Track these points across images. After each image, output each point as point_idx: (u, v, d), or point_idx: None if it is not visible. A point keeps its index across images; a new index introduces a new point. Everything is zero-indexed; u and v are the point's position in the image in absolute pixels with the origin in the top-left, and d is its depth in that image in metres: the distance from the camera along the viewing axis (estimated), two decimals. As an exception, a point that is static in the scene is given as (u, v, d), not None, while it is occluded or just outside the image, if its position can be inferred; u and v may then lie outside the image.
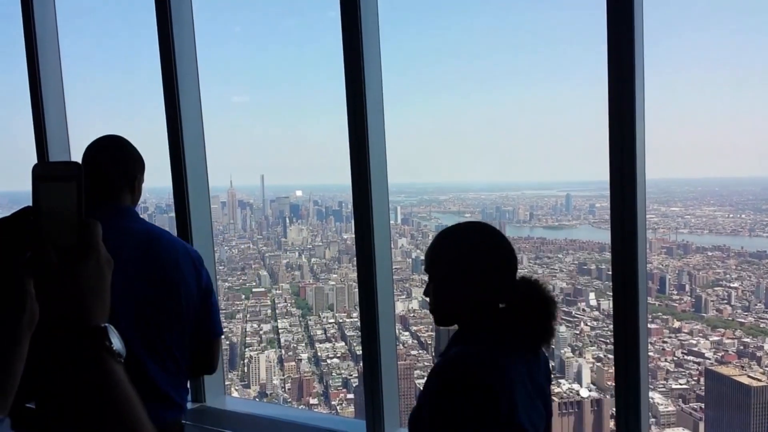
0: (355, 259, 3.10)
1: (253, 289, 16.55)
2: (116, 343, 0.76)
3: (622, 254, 2.66)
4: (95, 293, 0.76)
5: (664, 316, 12.62)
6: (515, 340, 1.55)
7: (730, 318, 12.35)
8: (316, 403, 14.07)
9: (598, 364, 13.19)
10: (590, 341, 13.67)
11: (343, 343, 15.13)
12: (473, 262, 1.51)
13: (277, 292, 16.66)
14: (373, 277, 3.08)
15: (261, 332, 15.68)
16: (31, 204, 0.74)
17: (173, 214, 4.02)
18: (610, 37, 2.53)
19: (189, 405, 3.65)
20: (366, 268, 3.09)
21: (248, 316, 16.03)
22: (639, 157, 2.61)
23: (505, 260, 1.61)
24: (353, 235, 3.07)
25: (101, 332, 0.75)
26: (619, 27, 2.50)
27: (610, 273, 2.87)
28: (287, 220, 17.49)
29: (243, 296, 16.25)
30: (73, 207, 0.74)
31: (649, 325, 2.96)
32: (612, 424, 12.46)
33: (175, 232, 3.93)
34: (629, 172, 2.59)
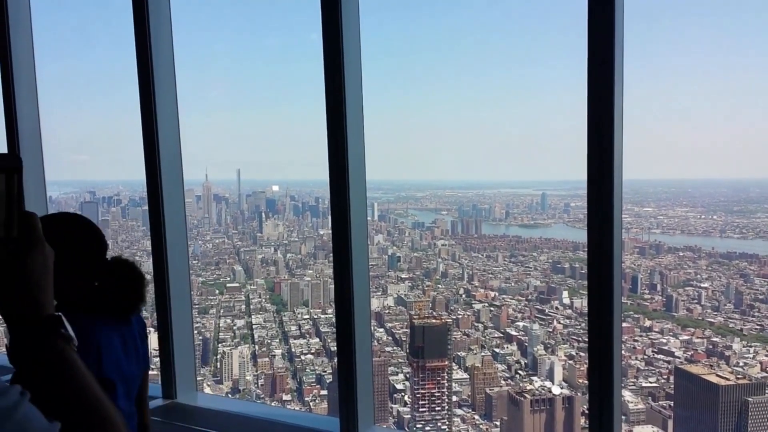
0: (331, 255, 3.08)
1: (228, 284, 16.42)
2: (69, 329, 0.78)
3: (599, 254, 2.67)
4: (44, 284, 0.78)
5: (636, 315, 12.79)
6: (107, 311, 1.81)
7: (700, 318, 12.57)
8: (290, 399, 14.02)
9: (570, 362, 13.33)
10: (563, 339, 13.81)
11: (317, 339, 15.10)
12: (68, 249, 1.70)
13: (252, 287, 16.55)
14: (349, 274, 3.06)
15: (235, 327, 15.58)
16: None
17: (147, 207, 3.95)
18: (591, 39, 2.53)
19: (159, 401, 3.60)
20: (342, 265, 3.06)
21: (222, 311, 15.92)
22: (617, 158, 2.62)
23: (95, 244, 1.82)
24: (330, 231, 3.04)
25: (57, 320, 0.77)
26: (599, 30, 2.51)
27: (584, 272, 2.89)
28: (263, 215, 17.39)
29: (217, 291, 16.12)
30: (3, 199, 0.73)
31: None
32: (583, 421, 12.60)
33: (148, 226, 3.87)
34: (607, 173, 2.60)
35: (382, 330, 14.72)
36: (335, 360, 14.05)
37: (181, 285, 3.65)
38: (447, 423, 13.53)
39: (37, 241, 0.77)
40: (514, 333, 14.59)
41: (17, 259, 0.75)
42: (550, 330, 14.30)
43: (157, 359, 3.67)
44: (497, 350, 14.44)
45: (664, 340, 12.56)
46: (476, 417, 13.79)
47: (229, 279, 16.99)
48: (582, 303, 13.91)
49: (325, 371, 14.70)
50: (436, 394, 13.92)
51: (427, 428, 12.97)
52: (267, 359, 15.10)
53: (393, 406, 13.87)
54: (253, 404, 6.15)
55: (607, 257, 2.69)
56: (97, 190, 17.09)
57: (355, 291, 3.08)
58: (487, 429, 13.32)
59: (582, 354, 13.37)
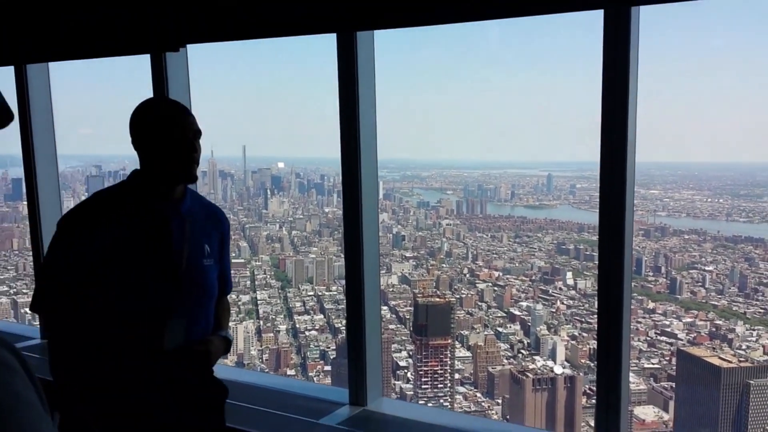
0: (335, 233, 3.10)
1: (233, 260, 16.51)
2: None
3: (610, 235, 2.68)
4: None
5: (639, 297, 12.82)
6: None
7: (703, 300, 12.59)
8: (294, 374, 14.16)
9: (573, 342, 13.40)
10: (566, 319, 13.87)
11: (321, 316, 15.20)
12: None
13: (257, 263, 16.63)
14: (360, 250, 3.08)
15: (240, 303, 15.68)
16: None
17: None
18: (607, 25, 2.52)
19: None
20: (353, 242, 3.09)
21: (227, 286, 16.03)
22: (630, 141, 2.62)
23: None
24: (335, 209, 3.07)
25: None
26: (616, 18, 2.50)
27: (588, 253, 2.90)
28: (268, 192, 17.40)
29: (222, 267, 16.20)
30: None
31: (629, 306, 3.00)
32: (584, 400, 12.70)
33: None
34: (620, 156, 2.60)
35: (385, 308, 14.79)
36: (339, 336, 14.15)
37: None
38: (449, 400, 13.64)
39: None
40: (517, 313, 14.64)
41: None
42: (554, 310, 14.35)
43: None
44: (500, 329, 14.51)
45: (667, 322, 12.60)
46: (478, 395, 13.90)
47: (234, 255, 17.02)
48: (586, 284, 13.94)
49: (329, 347, 14.80)
50: (439, 372, 14.03)
51: (430, 405, 13.08)
52: (271, 334, 15.21)
53: (396, 382, 13.99)
54: (263, 375, 6.21)
55: (618, 239, 2.70)
56: (103, 164, 17.09)
57: (365, 260, 3.10)
58: (488, 406, 13.43)
59: (585, 334, 13.43)
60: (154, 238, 1.92)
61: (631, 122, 2.61)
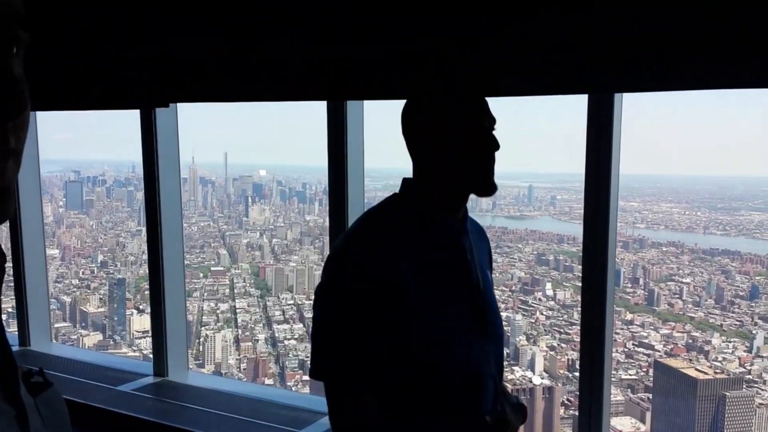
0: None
1: (212, 268, 16.36)
2: None
3: (594, 248, 2.71)
4: None
5: (618, 308, 12.93)
6: None
7: (681, 312, 12.72)
8: (272, 383, 14.05)
9: (552, 352, 13.45)
10: (545, 330, 13.93)
11: (301, 325, 15.10)
12: None
13: (237, 271, 16.50)
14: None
15: (218, 311, 15.54)
16: None
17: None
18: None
19: (150, 379, 3.63)
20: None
21: (206, 294, 15.86)
22: (614, 154, 2.66)
23: None
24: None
25: None
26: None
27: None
28: (249, 200, 17.31)
29: (201, 274, 16.06)
30: None
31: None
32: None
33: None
34: (604, 168, 2.64)
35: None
36: (319, 346, 13.89)
37: (175, 265, 3.66)
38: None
39: None
40: (497, 323, 14.60)
41: None
42: (533, 321, 14.41)
43: (149, 338, 3.67)
44: (480, 340, 14.46)
45: (645, 334, 12.71)
46: (457, 405, 13.86)
47: (213, 263, 16.92)
48: (565, 295, 14.02)
49: (308, 357, 14.65)
50: (419, 382, 13.96)
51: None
52: (250, 343, 15.11)
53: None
54: (245, 383, 6.18)
55: (602, 252, 2.74)
56: (82, 169, 16.89)
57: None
58: (468, 417, 13.43)
59: (563, 345, 13.49)
60: (455, 268, 1.47)
61: (615, 134, 2.65)
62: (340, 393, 1.42)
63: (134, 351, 12.32)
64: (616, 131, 2.64)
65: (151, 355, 3.72)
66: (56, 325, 11.83)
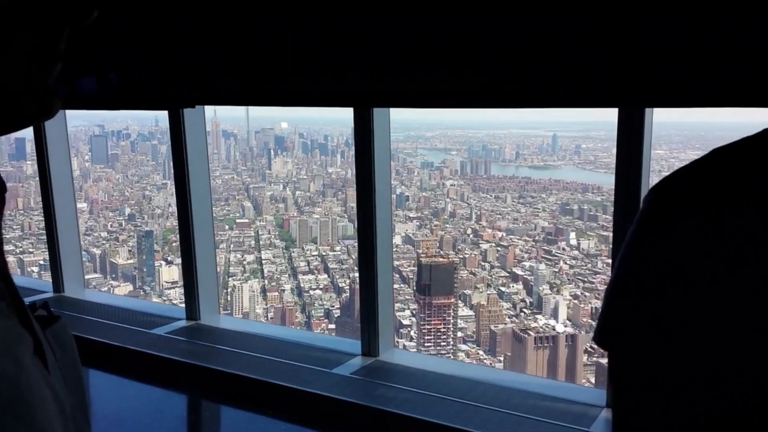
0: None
1: (237, 220, 16.53)
2: None
3: (626, 195, 2.70)
4: None
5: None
6: None
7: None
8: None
9: (575, 301, 13.49)
10: (568, 279, 13.93)
11: (325, 275, 15.27)
12: None
13: (261, 223, 16.65)
14: (372, 205, 3.10)
15: (244, 262, 15.76)
16: None
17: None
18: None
19: (183, 323, 3.72)
20: (366, 196, 3.11)
21: (232, 246, 16.07)
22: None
23: None
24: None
25: None
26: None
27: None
28: (272, 152, 17.33)
29: (227, 227, 16.24)
30: None
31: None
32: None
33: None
34: (638, 116, 2.60)
35: (389, 267, 14.80)
36: (343, 296, 14.17)
37: (204, 211, 3.71)
38: (452, 357, 13.82)
39: None
40: (520, 272, 14.71)
41: None
42: (556, 270, 14.41)
43: (178, 288, 3.76)
44: (503, 289, 14.59)
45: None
46: (480, 352, 14.06)
47: (238, 215, 17.08)
48: (589, 244, 13.97)
49: (333, 306, 14.93)
50: (442, 330, 14.17)
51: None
52: (276, 293, 15.35)
53: (399, 340, 14.16)
54: (273, 326, 6.31)
55: (634, 198, 2.71)
56: (106, 123, 16.99)
57: (377, 210, 3.13)
58: (491, 363, 13.61)
59: (587, 294, 13.51)
60: None
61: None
62: None
63: (164, 301, 12.58)
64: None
65: (180, 305, 3.82)
66: (87, 277, 12.06)
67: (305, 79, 2.93)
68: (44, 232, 5.11)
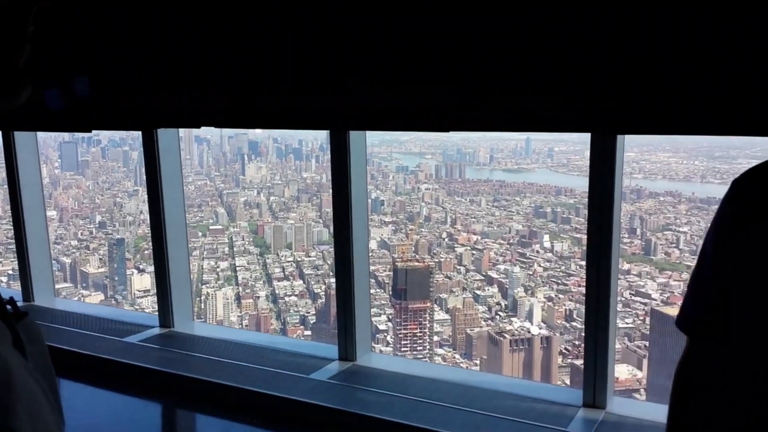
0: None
1: (210, 227, 16.37)
2: None
3: (600, 200, 2.72)
4: None
5: (615, 259, 13.00)
6: None
7: (677, 261, 12.81)
8: (274, 339, 14.21)
9: (549, 303, 13.59)
10: (542, 281, 14.04)
11: (301, 282, 15.18)
12: None
13: (235, 230, 16.50)
14: (348, 211, 3.09)
15: (218, 269, 15.60)
16: None
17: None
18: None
19: (157, 330, 3.66)
20: (342, 201, 3.09)
21: (205, 253, 15.90)
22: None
23: None
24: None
25: None
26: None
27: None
28: (245, 157, 17.21)
29: (200, 233, 16.07)
30: None
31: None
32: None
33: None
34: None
35: (365, 272, 14.76)
36: (318, 302, 14.08)
37: (177, 219, 3.66)
38: (428, 361, 13.82)
39: None
40: (495, 276, 14.80)
41: None
42: (531, 273, 14.52)
43: (150, 297, 3.71)
44: (478, 292, 14.66)
45: (642, 283, 12.82)
46: (456, 356, 14.11)
47: (211, 221, 16.90)
48: (562, 246, 14.10)
49: (309, 312, 14.85)
50: (418, 334, 14.18)
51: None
52: (251, 300, 15.23)
53: (375, 345, 14.12)
54: (251, 333, 6.26)
55: (608, 204, 2.74)
56: (76, 129, 16.62)
57: (353, 214, 3.12)
58: (467, 367, 13.65)
59: (561, 296, 13.62)
60: None
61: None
62: None
63: (136, 310, 12.41)
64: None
65: (153, 314, 3.76)
66: (57, 286, 11.84)
67: (283, 98, 2.93)
68: (13, 240, 5.00)
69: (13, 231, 4.84)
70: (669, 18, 2.28)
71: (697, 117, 2.32)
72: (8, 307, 0.75)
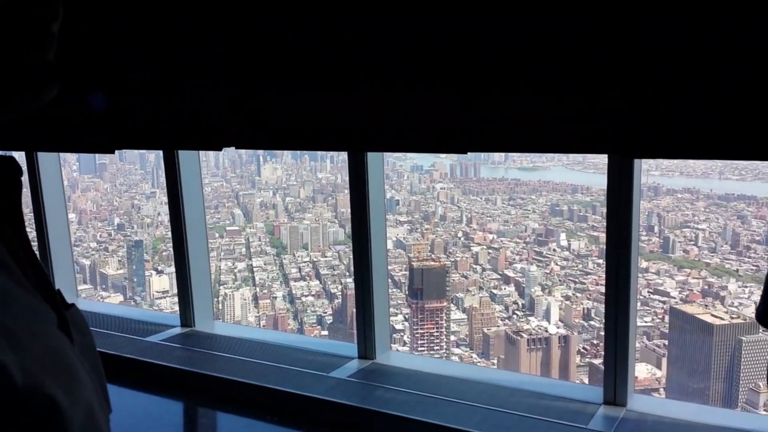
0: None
1: (227, 228, 16.46)
2: None
3: (618, 198, 2.71)
4: None
5: (633, 257, 12.88)
6: None
7: (696, 258, 12.68)
8: (291, 339, 14.25)
9: (567, 302, 13.52)
10: (560, 280, 13.97)
11: (317, 282, 15.22)
12: None
13: (252, 230, 16.58)
14: (366, 210, 3.11)
15: (235, 270, 15.68)
16: None
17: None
18: None
19: (178, 329, 3.70)
20: (360, 201, 3.11)
21: (222, 254, 15.99)
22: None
23: None
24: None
25: None
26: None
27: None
28: (261, 159, 17.28)
29: (217, 234, 16.16)
30: None
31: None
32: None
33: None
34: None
35: (381, 272, 14.76)
36: (335, 302, 14.16)
37: (197, 219, 3.70)
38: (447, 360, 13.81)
39: None
40: (511, 274, 14.74)
41: None
42: (547, 271, 14.45)
43: (169, 298, 3.75)
44: (495, 291, 14.62)
45: (660, 281, 12.71)
46: (474, 355, 14.07)
47: (228, 222, 16.99)
48: (579, 245, 14.02)
49: (326, 312, 14.88)
50: (435, 334, 14.17)
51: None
52: (268, 301, 15.29)
53: (392, 345, 14.05)
54: (270, 332, 6.29)
55: (626, 201, 2.73)
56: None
57: (371, 212, 3.13)
58: (484, 366, 13.59)
59: (578, 294, 13.55)
60: None
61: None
62: None
63: (155, 311, 12.51)
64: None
65: (173, 313, 3.80)
66: (78, 288, 11.98)
67: (297, 119, 2.96)
68: (36, 243, 5.08)
69: (35, 234, 4.91)
70: (669, 18, 2.27)
71: (717, 142, 2.32)
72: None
